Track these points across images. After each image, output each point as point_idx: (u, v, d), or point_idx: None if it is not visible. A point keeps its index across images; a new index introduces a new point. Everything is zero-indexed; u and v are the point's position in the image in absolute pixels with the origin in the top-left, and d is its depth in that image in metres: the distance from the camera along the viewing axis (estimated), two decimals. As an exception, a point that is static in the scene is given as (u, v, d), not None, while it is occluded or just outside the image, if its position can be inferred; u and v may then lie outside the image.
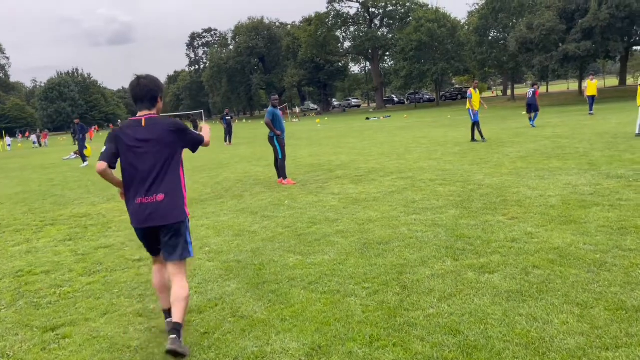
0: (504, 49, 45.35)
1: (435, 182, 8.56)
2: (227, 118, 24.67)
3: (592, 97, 23.19)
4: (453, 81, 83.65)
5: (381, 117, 41.31)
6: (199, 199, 9.15)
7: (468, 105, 15.39)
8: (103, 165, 3.32)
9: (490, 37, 46.69)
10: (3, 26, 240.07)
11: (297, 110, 75.73)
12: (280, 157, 10.21)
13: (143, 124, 3.37)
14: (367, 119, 41.66)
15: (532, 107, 18.90)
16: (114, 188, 11.14)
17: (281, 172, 10.22)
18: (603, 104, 29.39)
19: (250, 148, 20.30)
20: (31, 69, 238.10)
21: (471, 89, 15.47)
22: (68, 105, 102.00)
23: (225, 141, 24.25)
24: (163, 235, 3.38)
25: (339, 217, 6.67)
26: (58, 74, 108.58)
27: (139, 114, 3.46)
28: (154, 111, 3.49)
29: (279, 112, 10.30)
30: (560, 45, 31.97)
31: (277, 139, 10.14)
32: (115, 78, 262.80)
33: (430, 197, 7.36)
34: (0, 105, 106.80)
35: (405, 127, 25.81)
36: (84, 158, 19.04)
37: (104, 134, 64.39)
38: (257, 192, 9.44)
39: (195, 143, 3.58)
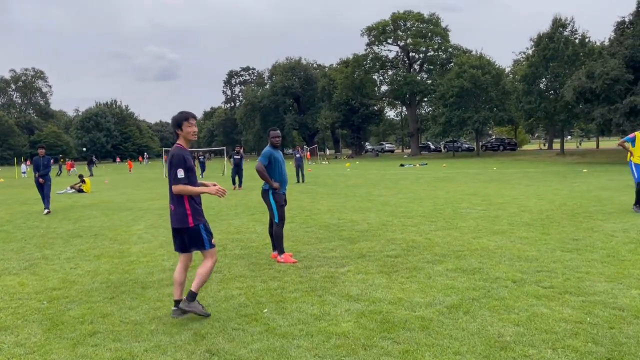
0: (555, 99, 41.72)
1: (527, 290, 5.00)
2: (235, 157, 20.69)
3: None
4: (490, 132, 79.51)
5: (417, 165, 37.86)
6: (140, 282, 5.88)
7: (629, 157, 10.55)
8: None
9: (539, 87, 43.11)
10: (56, 56, 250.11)
11: (327, 152, 73.14)
12: (276, 220, 6.88)
13: (172, 149, 4.55)
14: (402, 165, 38.27)
15: None
16: (50, 249, 7.96)
17: (277, 243, 6.87)
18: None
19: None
20: (78, 100, 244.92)
21: (637, 132, 10.58)
22: (103, 135, 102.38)
23: (234, 184, 20.12)
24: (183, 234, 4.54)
25: (351, 380, 3.22)
26: (97, 104, 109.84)
27: None
28: (179, 141, 4.55)
29: (280, 155, 7.05)
30: (627, 97, 28.14)
31: (272, 193, 6.86)
32: (155, 112, 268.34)
33: (534, 337, 3.83)
34: (37, 132, 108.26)
35: (446, 179, 22.27)
36: (45, 202, 13.53)
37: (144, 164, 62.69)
38: (232, 275, 6.08)
39: (170, 180, 4.45)
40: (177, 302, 4.58)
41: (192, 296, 4.50)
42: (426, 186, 18.58)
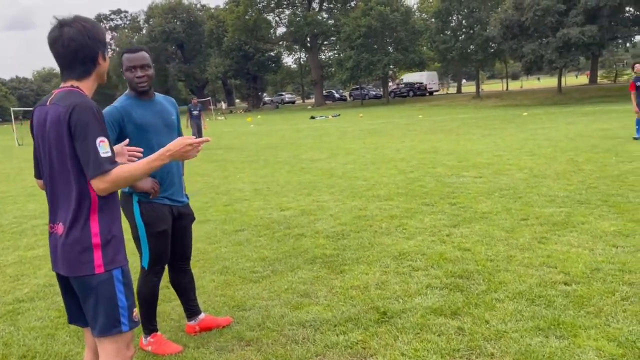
0: (470, 37, 39.68)
1: None
2: (194, 112, 16.32)
3: None
4: (389, 78, 77.50)
5: (329, 116, 34.55)
6: None
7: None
8: (37, 182, 2.16)
9: (453, 23, 40.84)
10: None
11: (224, 106, 67.51)
12: (143, 264, 3.08)
13: (48, 103, 1.96)
14: (312, 117, 34.74)
15: None
16: None
17: (143, 312, 3.04)
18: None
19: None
20: None
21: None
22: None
23: None
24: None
25: None
26: None
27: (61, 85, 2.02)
28: (82, 82, 1.98)
29: (157, 111, 3.17)
30: (560, 30, 26.30)
31: (139, 203, 3.01)
32: (10, 67, 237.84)
33: None
34: None
35: (377, 132, 19.11)
36: None
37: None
38: None
39: (85, 165, 1.86)
40: None
41: None
42: (361, 144, 15.19)
